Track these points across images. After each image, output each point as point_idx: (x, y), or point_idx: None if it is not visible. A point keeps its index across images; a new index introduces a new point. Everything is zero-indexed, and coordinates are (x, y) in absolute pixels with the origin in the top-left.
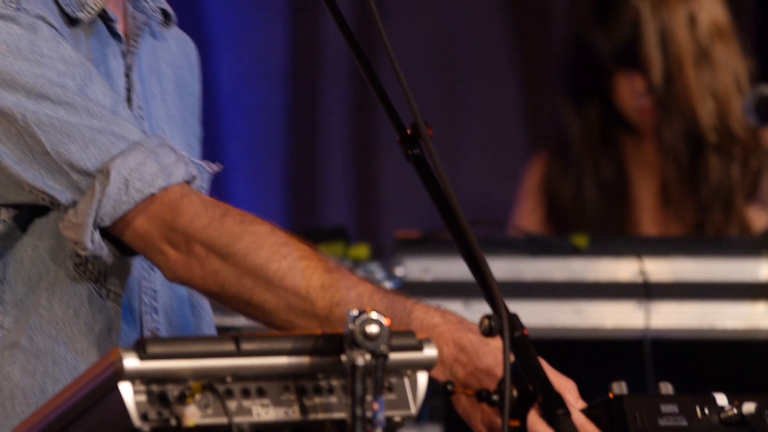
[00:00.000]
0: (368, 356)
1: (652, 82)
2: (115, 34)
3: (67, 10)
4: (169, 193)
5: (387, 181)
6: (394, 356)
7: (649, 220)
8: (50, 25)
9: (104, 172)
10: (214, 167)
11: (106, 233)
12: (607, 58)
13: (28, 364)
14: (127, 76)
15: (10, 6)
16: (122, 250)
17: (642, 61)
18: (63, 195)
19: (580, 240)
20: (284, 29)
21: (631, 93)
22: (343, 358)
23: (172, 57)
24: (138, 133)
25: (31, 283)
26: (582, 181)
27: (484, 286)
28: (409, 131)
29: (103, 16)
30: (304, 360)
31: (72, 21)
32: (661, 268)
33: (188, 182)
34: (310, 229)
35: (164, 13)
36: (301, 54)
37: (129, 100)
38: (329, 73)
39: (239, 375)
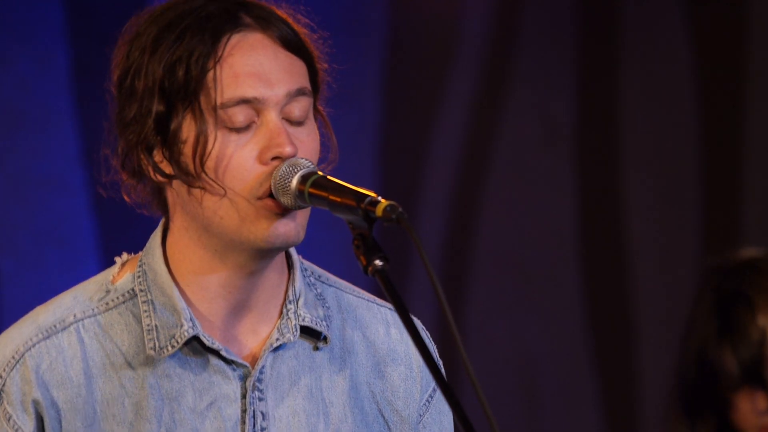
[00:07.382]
0: None
1: None
2: (225, 359)
3: (149, 346)
4: None
5: None
6: None
7: None
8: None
9: None
10: None
11: None
12: (731, 376)
13: None
14: (244, 397)
15: None
16: None
17: (767, 380)
18: None
19: None
20: None
21: (753, 411)
22: None
23: (350, 367)
24: None
25: None
26: None
27: None
28: None
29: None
30: None
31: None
32: None
33: None
34: None
35: (310, 331)
36: None
37: (243, 422)
38: None
39: None
